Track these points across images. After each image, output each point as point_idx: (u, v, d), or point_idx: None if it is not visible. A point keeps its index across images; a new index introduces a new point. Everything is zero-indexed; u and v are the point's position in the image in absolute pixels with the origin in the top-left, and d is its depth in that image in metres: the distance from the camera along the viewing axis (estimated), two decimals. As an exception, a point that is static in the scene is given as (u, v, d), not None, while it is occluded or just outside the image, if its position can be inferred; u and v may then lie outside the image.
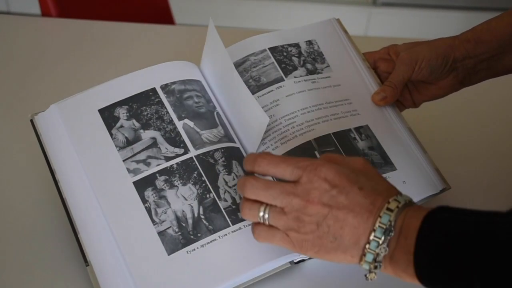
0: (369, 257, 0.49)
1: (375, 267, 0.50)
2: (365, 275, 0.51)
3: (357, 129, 0.67)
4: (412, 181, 0.65)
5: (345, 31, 0.76)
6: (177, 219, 0.58)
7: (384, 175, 0.64)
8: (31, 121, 0.63)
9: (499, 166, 0.79)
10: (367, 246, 0.49)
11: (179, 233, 0.57)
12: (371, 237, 0.49)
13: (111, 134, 0.62)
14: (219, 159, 0.62)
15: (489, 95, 0.90)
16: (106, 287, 0.55)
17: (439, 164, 0.68)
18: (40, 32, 1.06)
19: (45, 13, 1.16)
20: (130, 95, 0.65)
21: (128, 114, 0.64)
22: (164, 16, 1.36)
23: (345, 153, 0.65)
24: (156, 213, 0.58)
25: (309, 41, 0.74)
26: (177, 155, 0.61)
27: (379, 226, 0.49)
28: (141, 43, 1.03)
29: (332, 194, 0.50)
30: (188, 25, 1.30)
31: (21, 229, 0.67)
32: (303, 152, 0.64)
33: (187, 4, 2.22)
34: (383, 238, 0.48)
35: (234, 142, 0.65)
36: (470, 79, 0.71)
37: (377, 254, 0.49)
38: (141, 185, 0.59)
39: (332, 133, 0.66)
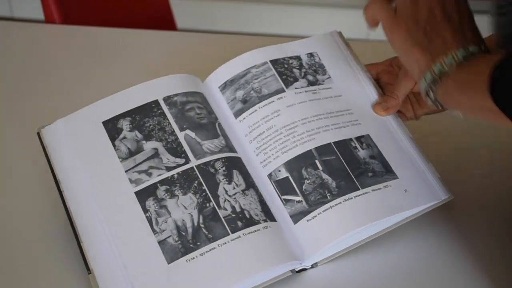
0: (449, 60, 0.54)
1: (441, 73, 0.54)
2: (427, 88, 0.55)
3: (358, 138, 0.68)
4: (414, 189, 0.65)
5: (347, 44, 0.77)
6: (177, 228, 0.59)
7: (385, 184, 0.65)
8: (38, 134, 0.65)
9: (506, 176, 0.78)
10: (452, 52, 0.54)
11: (179, 242, 0.58)
12: (458, 50, 0.54)
13: (114, 146, 0.64)
14: (219, 169, 0.63)
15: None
16: None
17: (443, 173, 0.68)
18: (43, 39, 1.06)
19: (48, 19, 1.17)
20: (133, 107, 0.66)
21: (131, 125, 0.65)
22: (166, 22, 1.37)
23: (346, 161, 0.66)
24: (157, 222, 0.59)
25: (310, 53, 0.75)
26: (178, 165, 0.62)
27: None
28: (144, 49, 1.03)
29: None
30: (190, 31, 1.33)
31: (24, 236, 0.67)
32: (304, 160, 0.65)
33: (189, 10, 2.21)
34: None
35: (236, 152, 0.66)
36: None
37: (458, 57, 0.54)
38: (143, 195, 0.60)
39: (332, 142, 0.67)
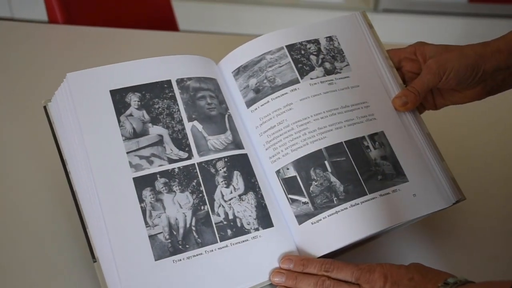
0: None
1: None
2: None
3: (371, 137, 0.66)
4: (423, 194, 0.64)
5: (370, 26, 0.73)
6: (170, 226, 0.59)
7: (394, 188, 0.64)
8: (44, 108, 0.63)
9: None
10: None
11: (169, 240, 0.58)
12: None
13: (119, 121, 0.62)
14: (220, 169, 0.62)
15: None
16: (112, 284, 0.56)
17: (456, 171, 0.67)
18: (47, 39, 1.08)
19: (52, 20, 1.16)
20: (145, 83, 0.64)
21: (139, 103, 0.63)
22: (169, 23, 1.36)
23: (356, 163, 0.64)
24: (151, 216, 0.59)
25: (330, 37, 0.71)
26: (181, 159, 0.62)
27: None
28: (147, 49, 1.03)
29: None
30: (192, 32, 1.34)
31: (30, 227, 0.69)
32: (313, 161, 0.64)
33: (191, 11, 2.26)
34: None
35: (242, 148, 0.64)
36: (498, 90, 0.69)
37: None
38: (141, 183, 0.60)
39: (344, 142, 0.65)
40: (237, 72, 0.69)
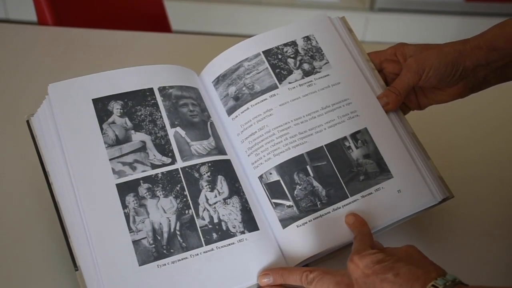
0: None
1: None
2: None
3: (353, 136, 0.66)
4: (408, 190, 0.63)
5: (350, 30, 0.73)
6: (154, 230, 0.59)
7: (377, 187, 0.63)
8: (27, 122, 0.63)
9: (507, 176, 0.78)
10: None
11: (153, 245, 0.58)
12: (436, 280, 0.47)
13: (101, 129, 0.62)
14: (204, 174, 0.62)
15: (501, 101, 0.88)
16: None
17: (443, 171, 0.66)
18: (37, 40, 1.07)
19: (41, 21, 1.15)
20: (127, 91, 0.65)
21: (122, 110, 0.64)
22: (161, 24, 1.35)
23: (337, 166, 0.64)
24: (134, 221, 0.59)
25: (307, 36, 0.72)
26: (164, 164, 0.62)
27: None
28: (138, 51, 1.03)
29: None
30: (185, 33, 1.33)
31: (11, 237, 0.68)
32: (296, 165, 0.64)
33: (184, 12, 2.26)
34: None
35: (225, 154, 0.65)
36: (480, 87, 0.69)
37: None
38: (124, 189, 0.59)
39: (325, 145, 0.65)
40: (217, 82, 0.69)
